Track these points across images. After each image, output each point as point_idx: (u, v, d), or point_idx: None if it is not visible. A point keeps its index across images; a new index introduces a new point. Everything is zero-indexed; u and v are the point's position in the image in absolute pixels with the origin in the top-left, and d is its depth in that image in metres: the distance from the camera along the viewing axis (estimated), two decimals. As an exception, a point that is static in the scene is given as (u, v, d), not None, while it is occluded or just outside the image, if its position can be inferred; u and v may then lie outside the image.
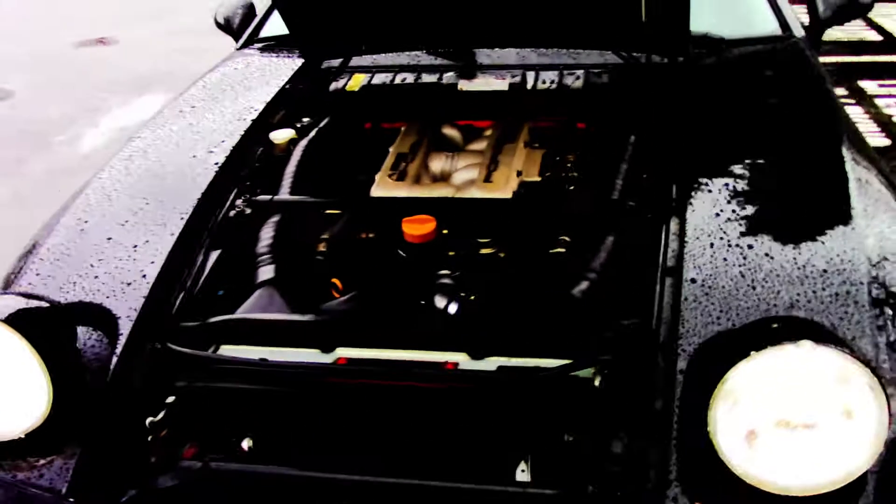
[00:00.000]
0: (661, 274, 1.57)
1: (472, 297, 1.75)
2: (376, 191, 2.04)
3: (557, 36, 2.52)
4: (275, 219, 1.96)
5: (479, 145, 2.26)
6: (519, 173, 2.04)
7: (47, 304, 1.60)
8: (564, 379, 1.46)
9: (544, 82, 2.54)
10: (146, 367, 1.60)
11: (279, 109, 2.54)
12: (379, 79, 2.68)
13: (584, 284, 1.66)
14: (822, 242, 1.58)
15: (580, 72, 2.55)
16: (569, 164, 2.11)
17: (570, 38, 2.51)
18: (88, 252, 1.87)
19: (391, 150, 2.23)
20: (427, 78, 2.64)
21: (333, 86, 2.62)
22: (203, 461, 1.48)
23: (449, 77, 2.60)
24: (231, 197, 2.06)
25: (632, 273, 1.68)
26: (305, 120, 2.54)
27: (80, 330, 1.64)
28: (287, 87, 2.61)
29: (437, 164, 2.21)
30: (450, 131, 2.38)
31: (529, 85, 2.50)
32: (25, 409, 1.47)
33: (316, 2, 2.41)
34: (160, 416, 1.51)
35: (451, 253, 1.89)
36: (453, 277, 1.80)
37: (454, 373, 1.50)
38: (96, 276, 1.78)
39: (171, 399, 1.54)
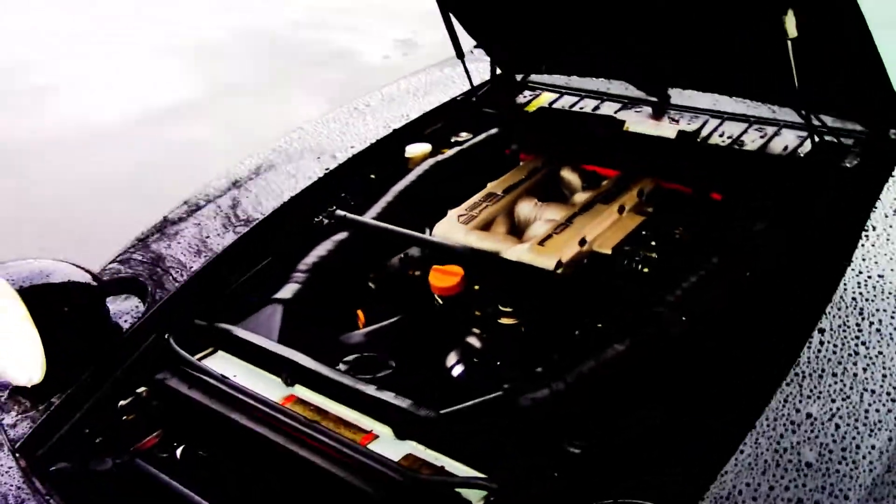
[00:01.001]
0: None
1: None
2: (438, 229, 1.94)
3: (744, 86, 2.15)
4: (339, 237, 1.96)
5: (582, 196, 2.02)
6: (583, 242, 1.79)
7: (77, 272, 1.77)
8: (447, 492, 1.30)
9: (721, 135, 2.20)
10: (144, 352, 1.72)
11: (438, 121, 2.51)
12: (563, 101, 2.53)
13: (544, 393, 1.43)
14: None
15: (770, 129, 2.16)
16: (657, 243, 1.81)
17: (757, 89, 2.13)
18: (179, 228, 2.06)
19: (489, 184, 2.09)
20: (606, 108, 2.43)
21: (519, 100, 2.54)
22: (136, 458, 1.56)
23: (626, 114, 2.36)
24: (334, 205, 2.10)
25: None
26: (463, 135, 2.48)
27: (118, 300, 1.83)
28: (459, 98, 2.56)
29: (523, 210, 2.03)
30: (568, 175, 2.16)
31: (705, 133, 2.18)
32: (29, 364, 1.66)
33: (508, 15, 2.33)
34: (129, 401, 1.62)
35: (477, 312, 1.75)
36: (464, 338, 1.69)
37: (345, 450, 1.39)
38: (169, 250, 1.96)
39: (142, 389, 1.64)
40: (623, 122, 2.29)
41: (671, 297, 1.59)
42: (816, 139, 1.94)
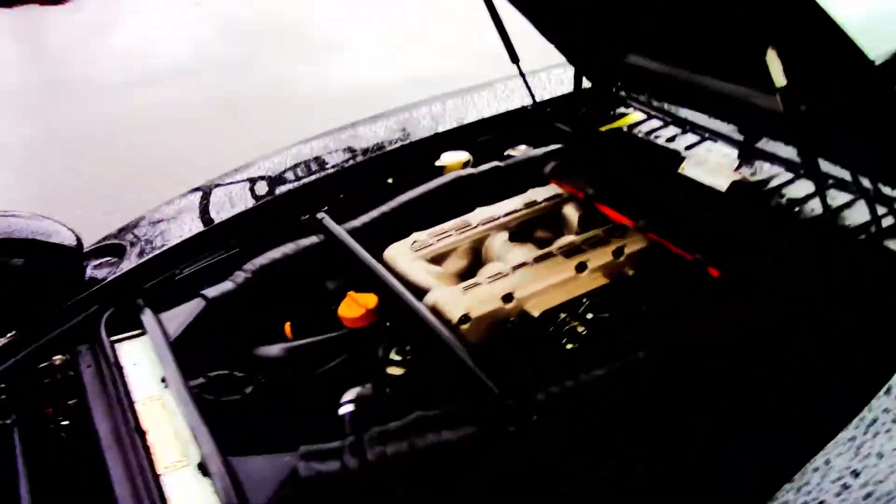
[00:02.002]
0: None
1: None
2: (388, 251, 1.80)
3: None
4: (307, 241, 1.90)
5: (564, 241, 1.76)
6: (509, 298, 1.56)
7: (58, 232, 1.87)
8: None
9: (783, 196, 1.81)
10: (84, 320, 1.80)
11: (496, 129, 2.33)
12: (650, 124, 2.23)
13: (331, 466, 1.29)
14: None
15: (844, 196, 1.74)
16: (594, 316, 1.53)
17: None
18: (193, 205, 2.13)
19: (478, 210, 1.90)
20: (683, 140, 2.10)
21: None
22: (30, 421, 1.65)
23: (693, 152, 2.02)
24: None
25: None
26: (521, 148, 2.28)
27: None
28: (528, 107, 2.35)
29: (493, 246, 1.82)
30: (570, 212, 1.89)
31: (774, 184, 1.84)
32: None
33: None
34: (44, 365, 1.72)
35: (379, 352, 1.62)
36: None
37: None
38: (160, 225, 2.04)
39: (58, 357, 1.72)
40: (681, 159, 1.96)
41: (542, 394, 1.35)
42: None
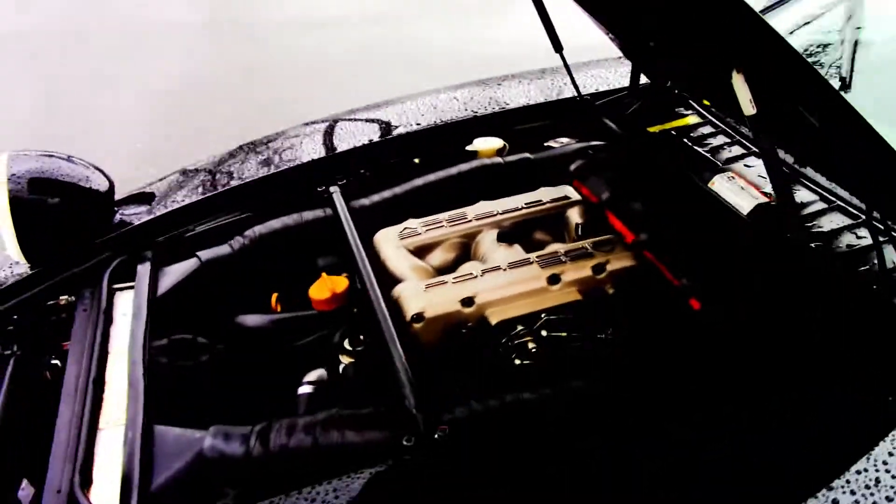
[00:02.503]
0: None
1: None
2: (378, 236, 1.77)
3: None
4: (312, 214, 1.91)
5: (551, 248, 1.68)
6: (469, 302, 1.52)
7: (90, 176, 1.97)
8: None
9: (812, 226, 1.65)
10: (96, 265, 1.89)
11: (541, 118, 2.23)
12: (700, 131, 2.09)
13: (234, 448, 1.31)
14: None
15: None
16: (548, 334, 1.46)
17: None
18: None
19: (480, 203, 1.84)
20: (730, 151, 1.95)
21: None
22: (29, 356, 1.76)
23: (733, 166, 1.88)
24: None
25: None
26: (563, 140, 2.19)
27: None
28: (577, 98, 2.23)
29: (482, 244, 1.76)
30: (573, 216, 1.80)
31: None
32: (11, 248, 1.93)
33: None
34: (50, 304, 1.82)
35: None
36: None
37: None
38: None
39: (64, 297, 1.83)
40: (719, 171, 1.82)
41: (462, 409, 1.30)
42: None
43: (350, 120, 2.31)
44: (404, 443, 1.25)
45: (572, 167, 1.97)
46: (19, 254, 1.90)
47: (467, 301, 1.52)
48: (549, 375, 1.39)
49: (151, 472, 1.29)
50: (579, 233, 1.74)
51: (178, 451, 1.32)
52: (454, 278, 1.59)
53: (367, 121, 2.26)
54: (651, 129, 2.13)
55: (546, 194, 1.86)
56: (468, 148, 2.13)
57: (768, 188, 1.77)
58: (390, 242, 1.75)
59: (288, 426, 1.32)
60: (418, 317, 1.51)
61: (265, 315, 1.77)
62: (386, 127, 2.20)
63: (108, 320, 1.69)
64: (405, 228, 1.78)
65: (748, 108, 1.18)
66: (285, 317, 1.75)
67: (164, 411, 1.43)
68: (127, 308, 1.76)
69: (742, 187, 1.78)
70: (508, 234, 1.72)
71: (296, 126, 2.37)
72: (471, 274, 1.59)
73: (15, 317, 1.84)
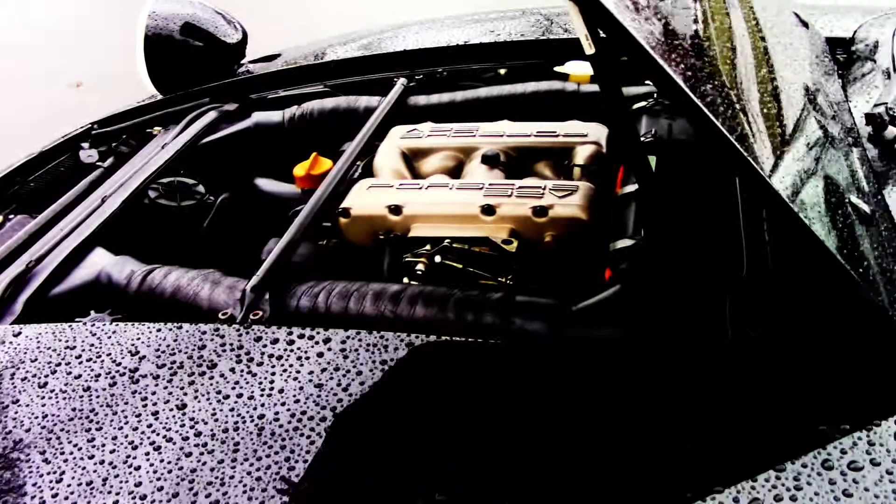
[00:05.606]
0: None
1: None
2: (391, 131, 1.77)
3: None
4: (364, 101, 1.95)
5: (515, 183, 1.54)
6: (397, 210, 1.48)
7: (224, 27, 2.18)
8: None
9: None
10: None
11: None
12: None
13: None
14: None
15: None
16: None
17: None
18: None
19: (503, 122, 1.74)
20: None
21: None
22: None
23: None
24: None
25: None
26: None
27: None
28: None
29: (471, 163, 1.65)
30: (577, 157, 1.62)
31: None
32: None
33: None
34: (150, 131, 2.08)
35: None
36: None
37: None
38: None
39: (158, 129, 2.08)
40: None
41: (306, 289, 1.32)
42: None
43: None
44: (220, 316, 1.28)
45: (636, 106, 1.75)
46: (148, 82, 2.19)
47: (395, 209, 1.48)
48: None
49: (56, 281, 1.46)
50: (572, 174, 1.58)
51: (93, 273, 1.47)
52: (399, 185, 1.55)
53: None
54: None
55: (568, 128, 1.69)
56: (557, 69, 1.98)
57: None
58: (392, 139, 1.74)
59: (166, 272, 1.42)
60: (345, 211, 1.51)
61: (279, 183, 1.88)
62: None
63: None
64: (413, 129, 1.75)
65: (587, 46, 0.98)
66: (287, 190, 1.83)
67: (122, 239, 1.59)
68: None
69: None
70: (491, 158, 1.61)
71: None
72: (416, 185, 1.54)
73: (123, 136, 2.13)
